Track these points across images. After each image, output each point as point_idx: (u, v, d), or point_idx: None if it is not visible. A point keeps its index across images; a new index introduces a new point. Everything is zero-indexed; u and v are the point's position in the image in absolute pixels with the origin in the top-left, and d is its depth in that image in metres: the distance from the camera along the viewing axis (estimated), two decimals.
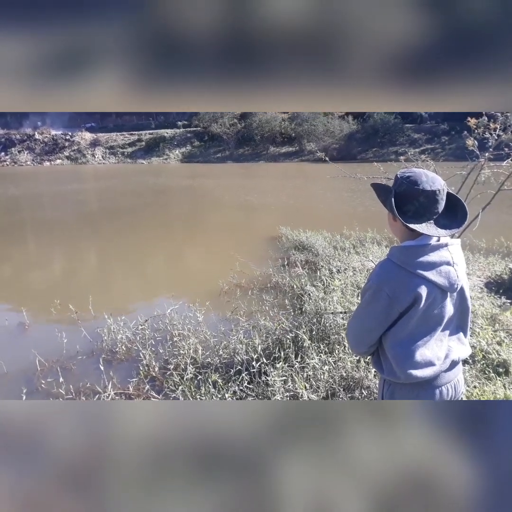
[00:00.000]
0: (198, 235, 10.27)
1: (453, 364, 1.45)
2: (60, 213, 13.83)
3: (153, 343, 4.06)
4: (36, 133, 42.58)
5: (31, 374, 3.66)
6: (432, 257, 1.35)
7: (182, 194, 17.98)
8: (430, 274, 1.33)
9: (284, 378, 2.85)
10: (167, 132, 43.04)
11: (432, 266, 1.34)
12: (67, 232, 10.75)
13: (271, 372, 2.94)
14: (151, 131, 44.11)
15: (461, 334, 1.49)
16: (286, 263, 6.57)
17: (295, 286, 5.13)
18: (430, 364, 1.38)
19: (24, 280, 6.93)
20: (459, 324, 1.48)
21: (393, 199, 1.34)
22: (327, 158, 5.11)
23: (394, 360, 1.38)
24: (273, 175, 25.31)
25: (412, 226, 1.33)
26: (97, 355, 3.95)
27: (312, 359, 3.00)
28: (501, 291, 4.63)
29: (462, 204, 1.42)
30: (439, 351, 1.41)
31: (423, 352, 1.38)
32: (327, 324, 3.43)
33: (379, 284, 1.34)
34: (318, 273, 5.31)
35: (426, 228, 1.34)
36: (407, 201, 1.34)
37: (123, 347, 4.04)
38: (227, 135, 41.38)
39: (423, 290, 1.32)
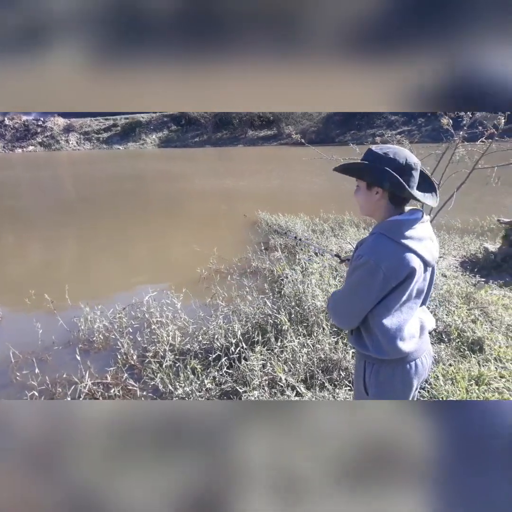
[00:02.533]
0: (176, 221, 10.13)
1: (426, 334, 1.49)
2: (34, 201, 13.43)
3: (131, 331, 4.00)
4: (5, 118, 40.96)
5: (4, 367, 3.57)
6: (419, 232, 1.36)
7: (159, 180, 17.66)
8: (420, 249, 1.34)
9: (263, 362, 2.85)
10: (143, 117, 42.05)
11: (420, 240, 1.35)
12: (42, 220, 10.46)
13: (250, 356, 2.93)
14: (126, 116, 43.00)
15: (425, 306, 1.56)
16: (265, 247, 6.55)
17: (274, 271, 5.12)
18: (412, 337, 1.41)
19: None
20: (426, 297, 1.52)
21: (392, 174, 1.31)
22: (304, 141, 5.04)
23: (383, 334, 1.36)
24: (251, 159, 25.11)
25: (419, 197, 1.36)
26: (73, 345, 3.87)
27: (291, 342, 3.00)
28: (475, 270, 4.72)
29: (428, 176, 1.48)
30: (416, 323, 1.44)
31: (408, 326, 1.39)
32: (306, 307, 3.42)
33: (376, 261, 1.30)
34: (298, 256, 5.31)
35: (430, 198, 1.41)
36: (402, 175, 1.32)
37: (100, 336, 3.97)
38: (204, 119, 40.74)
39: (417, 265, 1.32)
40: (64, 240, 8.62)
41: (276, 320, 3.39)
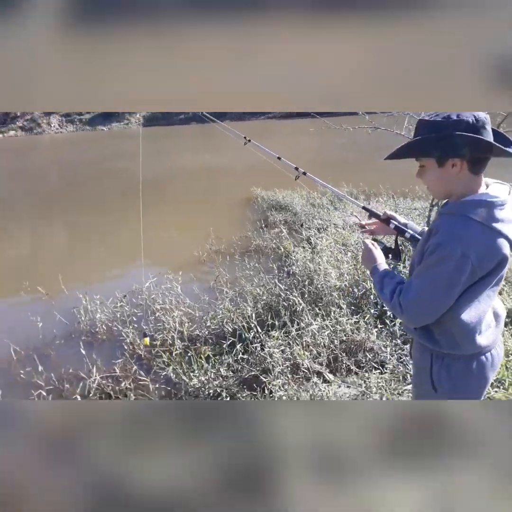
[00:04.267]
0: (167, 201, 9.82)
1: (501, 323, 1.31)
2: (19, 188, 12.98)
3: (135, 319, 3.83)
4: None
5: (6, 365, 3.39)
6: (506, 212, 1.14)
7: (146, 160, 17.18)
8: (509, 232, 1.12)
9: (282, 348, 2.70)
10: None
11: (508, 222, 1.13)
12: (28, 209, 10.09)
13: (267, 341, 2.78)
14: None
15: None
16: (264, 224, 6.35)
17: (278, 248, 4.95)
18: (488, 327, 1.23)
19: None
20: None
21: (468, 136, 1.08)
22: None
23: (461, 329, 1.18)
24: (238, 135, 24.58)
25: None
26: (76, 338, 3.70)
27: (309, 324, 2.85)
28: None
29: (498, 131, 1.20)
30: (491, 312, 1.26)
31: (486, 317, 1.21)
32: (318, 285, 3.27)
33: (464, 251, 1.08)
34: (304, 234, 5.12)
35: None
36: (477, 133, 1.09)
37: (103, 326, 3.80)
38: None
39: (507, 251, 1.11)
40: (53, 228, 8.34)
41: (288, 302, 3.24)
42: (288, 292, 3.33)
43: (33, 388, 2.96)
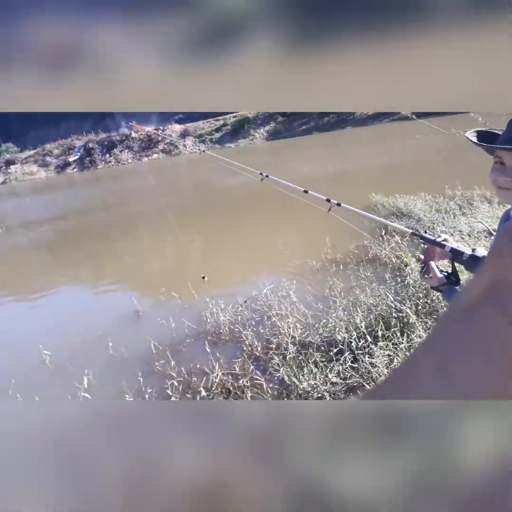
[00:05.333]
0: (289, 211, 10.19)
1: None
2: (158, 204, 14.78)
3: (253, 323, 4.15)
4: (132, 132, 45.94)
5: (147, 358, 3.99)
6: None
7: (267, 172, 17.97)
8: None
9: (389, 358, 2.69)
10: (250, 113, 43.29)
11: None
12: (165, 221, 11.46)
13: (375, 351, 2.79)
14: (234, 114, 44.77)
15: None
16: (384, 233, 6.21)
17: (394, 258, 4.82)
18: None
19: (132, 270, 7.58)
20: None
21: None
22: (414, 116, 4.62)
23: None
24: (360, 140, 24.07)
25: None
26: (203, 338, 4.16)
27: (419, 337, 2.78)
28: None
29: None
30: None
31: None
32: (434, 297, 3.15)
33: None
34: (422, 246, 4.91)
35: None
36: None
37: (226, 328, 4.20)
38: None
39: None
40: (186, 239, 9.33)
41: (400, 313, 3.18)
42: (400, 303, 3.28)
43: (167, 378, 3.44)
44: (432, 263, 1.37)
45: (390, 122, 33.56)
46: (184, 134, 44.19)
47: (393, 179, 11.10)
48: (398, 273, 4.41)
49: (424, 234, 1.45)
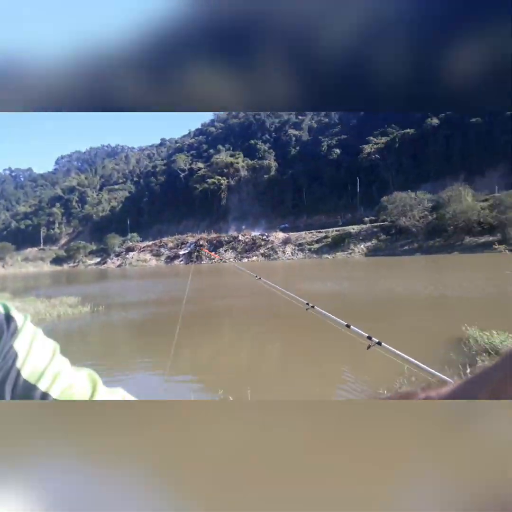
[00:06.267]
0: (375, 330, 9.55)
1: None
2: (248, 302, 15.06)
3: None
4: (239, 235, 50.05)
5: None
6: None
7: (361, 285, 17.56)
8: None
9: None
10: (354, 228, 44.47)
11: None
12: (252, 320, 11.53)
13: None
14: (338, 228, 46.33)
15: None
16: (468, 370, 5.37)
17: None
18: None
19: (216, 366, 7.47)
20: None
21: None
22: None
23: None
24: (467, 267, 22.68)
25: None
26: None
27: None
28: None
29: None
30: None
31: None
32: None
33: None
34: None
35: None
36: None
37: None
38: (416, 228, 40.21)
39: None
40: (267, 340, 9.16)
41: None
42: None
43: None
44: None
45: (503, 252, 31.68)
46: (285, 242, 46.48)
47: (495, 310, 9.96)
48: None
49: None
